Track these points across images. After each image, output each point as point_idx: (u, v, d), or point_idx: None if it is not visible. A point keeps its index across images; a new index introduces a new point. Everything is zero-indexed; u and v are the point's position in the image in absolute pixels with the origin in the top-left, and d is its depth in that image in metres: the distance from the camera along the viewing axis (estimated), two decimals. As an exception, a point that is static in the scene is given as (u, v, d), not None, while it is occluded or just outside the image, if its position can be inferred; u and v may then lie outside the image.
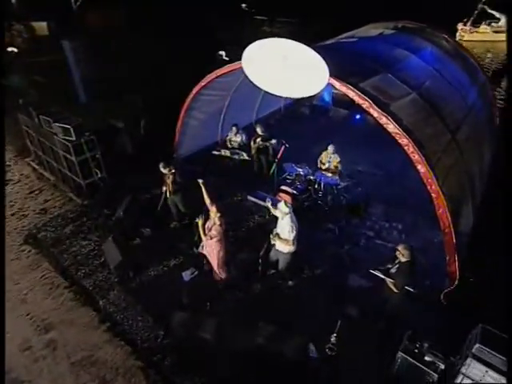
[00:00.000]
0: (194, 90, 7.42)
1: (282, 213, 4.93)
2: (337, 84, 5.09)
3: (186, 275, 5.74)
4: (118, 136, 9.21)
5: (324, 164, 7.39)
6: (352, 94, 5.00)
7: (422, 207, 7.12)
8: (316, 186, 7.18)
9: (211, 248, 5.04)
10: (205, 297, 5.34)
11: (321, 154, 7.49)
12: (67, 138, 7.20)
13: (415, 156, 4.74)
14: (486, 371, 3.32)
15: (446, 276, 5.27)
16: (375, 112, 4.87)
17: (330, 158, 7.33)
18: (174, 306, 5.22)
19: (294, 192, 6.81)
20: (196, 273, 5.77)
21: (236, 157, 8.12)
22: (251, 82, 8.82)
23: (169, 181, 6.35)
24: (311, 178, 7.17)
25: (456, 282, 5.11)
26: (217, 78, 6.97)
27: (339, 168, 7.29)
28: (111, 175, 7.95)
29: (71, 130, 7.08)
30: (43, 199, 7.93)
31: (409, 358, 3.99)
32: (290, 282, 5.57)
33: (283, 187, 7.01)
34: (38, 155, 8.83)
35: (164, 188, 6.48)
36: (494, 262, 5.61)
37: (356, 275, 5.78)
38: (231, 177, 8.02)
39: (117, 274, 5.61)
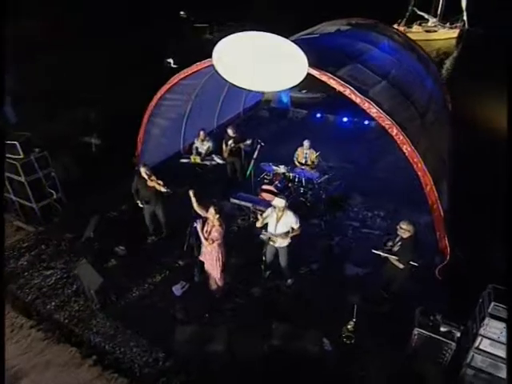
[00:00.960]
0: (159, 94, 7.31)
1: (281, 209, 5.00)
2: (316, 73, 5.38)
3: (177, 290, 5.53)
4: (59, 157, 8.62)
5: (301, 160, 7.66)
6: (333, 82, 5.32)
7: (398, 194, 7.80)
8: (296, 183, 7.40)
9: (212, 253, 4.93)
10: (202, 309, 5.18)
11: (296, 150, 7.76)
12: (13, 156, 6.63)
13: (400, 137, 5.15)
14: (504, 328, 3.66)
15: (437, 253, 5.72)
16: (357, 98, 5.23)
17: (306, 153, 7.63)
18: (169, 324, 5.01)
19: (276, 190, 6.92)
20: (187, 286, 5.59)
21: (208, 163, 8.08)
22: (213, 85, 9.11)
23: (151, 189, 6.08)
24: (290, 174, 7.37)
25: (448, 257, 5.57)
26: (181, 79, 6.95)
27: (316, 162, 7.61)
28: (69, 195, 7.45)
29: (18, 146, 6.53)
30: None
31: (425, 332, 4.23)
32: (289, 281, 5.63)
33: (265, 187, 7.11)
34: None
35: (140, 198, 6.18)
36: (473, 237, 6.18)
37: (351, 264, 6.03)
38: (204, 184, 7.94)
39: (98, 299, 5.21)
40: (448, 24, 23.75)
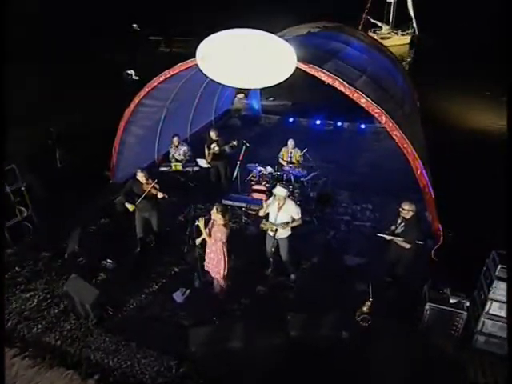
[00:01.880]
0: (137, 99, 7.34)
1: (282, 198, 5.21)
2: (305, 67, 5.76)
3: (178, 297, 5.49)
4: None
5: (286, 159, 7.97)
6: (322, 74, 5.73)
7: (382, 187, 8.35)
8: (284, 182, 7.66)
9: (217, 252, 4.98)
10: (209, 312, 5.18)
11: (280, 150, 8.08)
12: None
13: (389, 124, 5.61)
14: (511, 288, 4.08)
15: (430, 237, 6.21)
16: (347, 89, 5.65)
17: (291, 152, 7.97)
18: (175, 331, 4.97)
19: (266, 189, 7.14)
20: (188, 291, 5.57)
21: (190, 169, 8.12)
22: (186, 92, 9.28)
23: (147, 195, 6.00)
24: (278, 173, 7.64)
25: (441, 239, 6.05)
26: (160, 83, 7.06)
27: (301, 161, 7.96)
28: (39, 212, 7.16)
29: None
30: None
31: (437, 306, 4.58)
32: (293, 276, 5.80)
33: (255, 187, 7.30)
34: None
35: (129, 207, 6.06)
36: (458, 218, 6.75)
37: (350, 255, 6.34)
38: (187, 191, 8.01)
39: (94, 313, 5.04)
40: (400, 31, 25.90)
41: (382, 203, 7.89)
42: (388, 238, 5.06)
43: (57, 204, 7.41)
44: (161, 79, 6.93)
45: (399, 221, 5.07)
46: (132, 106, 7.46)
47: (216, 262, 5.07)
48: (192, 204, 7.81)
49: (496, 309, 4.31)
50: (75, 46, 21.05)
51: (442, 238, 6.07)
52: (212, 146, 8.00)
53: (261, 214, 5.44)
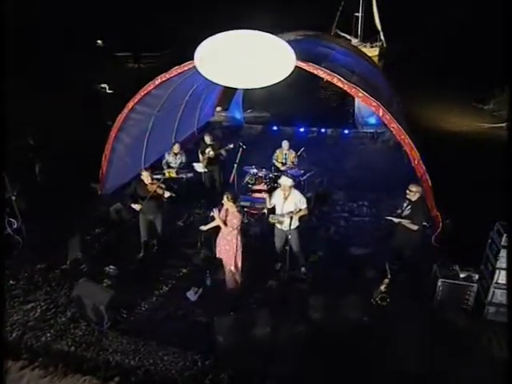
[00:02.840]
0: (130, 104, 7.58)
1: (287, 188, 5.57)
2: (304, 65, 6.28)
3: (191, 295, 5.66)
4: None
5: (281, 161, 8.40)
6: (320, 72, 6.27)
7: (373, 185, 8.96)
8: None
9: (232, 241, 5.24)
10: (225, 308, 5.36)
11: (274, 152, 8.51)
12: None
13: (386, 117, 6.19)
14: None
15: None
16: (345, 85, 6.21)
17: (285, 154, 8.41)
18: (194, 328, 5.13)
19: (266, 189, 7.51)
20: (200, 290, 5.75)
21: (184, 175, 8.34)
22: (172, 101, 9.61)
23: (152, 196, 6.17)
24: (275, 174, 8.04)
25: (440, 225, 6.61)
26: (156, 87, 7.37)
27: (295, 162, 8.42)
28: (26, 224, 7.12)
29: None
30: None
31: (449, 281, 5.04)
32: (303, 269, 6.11)
33: (255, 187, 7.65)
34: None
35: (136, 207, 6.19)
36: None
37: (355, 247, 6.76)
38: (183, 197, 8.20)
39: (109, 315, 5.10)
40: (369, 44, 27.72)
41: (377, 199, 8.46)
42: (396, 220, 5.51)
43: (43, 217, 7.38)
44: (156, 83, 7.26)
45: (405, 204, 5.55)
46: (125, 110, 7.68)
47: (231, 253, 5.32)
48: (189, 210, 8.05)
49: (504, 278, 4.82)
50: (39, 60, 20.96)
51: (440, 224, 6.62)
52: (207, 150, 8.31)
53: (268, 206, 5.77)
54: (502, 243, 4.71)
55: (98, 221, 7.61)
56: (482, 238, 5.50)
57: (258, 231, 7.23)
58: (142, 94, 7.45)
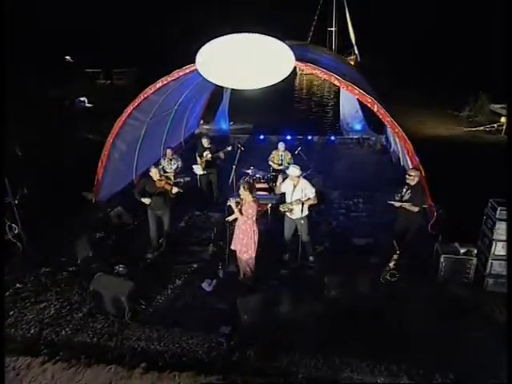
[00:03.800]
0: (131, 107, 8.02)
1: (295, 177, 6.15)
2: (302, 65, 7.00)
3: (206, 286, 6.04)
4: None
5: (277, 162, 9.01)
6: (318, 71, 7.00)
7: (365, 184, 9.70)
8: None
9: (248, 231, 5.71)
10: (240, 295, 5.77)
11: (271, 154, 9.13)
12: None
13: (381, 111, 6.95)
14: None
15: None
16: (342, 83, 6.95)
17: (281, 155, 9.04)
18: (214, 314, 5.51)
19: (267, 186, 8.07)
20: (215, 282, 6.14)
21: (181, 180, 8.76)
22: (163, 109, 10.11)
23: (160, 191, 6.57)
24: (272, 174, 8.62)
25: (435, 214, 7.33)
26: (157, 90, 7.88)
27: (291, 163, 9.04)
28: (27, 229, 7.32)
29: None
30: None
31: (451, 256, 5.71)
32: (311, 258, 6.63)
33: (257, 185, 8.17)
34: None
35: (146, 201, 6.57)
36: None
37: (357, 237, 7.36)
38: (180, 201, 8.61)
39: (129, 306, 5.40)
40: (343, 57, 29.39)
41: (371, 197, 9.20)
42: (397, 204, 6.17)
43: (41, 224, 7.59)
44: (157, 86, 7.75)
45: (405, 189, 6.23)
46: (124, 116, 8.11)
47: (245, 242, 5.79)
48: (189, 212, 8.48)
49: (500, 249, 5.52)
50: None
51: (435, 213, 7.35)
52: (205, 153, 8.81)
53: (276, 192, 6.34)
54: (497, 216, 5.43)
55: (99, 225, 7.88)
56: (474, 221, 6.25)
57: (262, 227, 7.69)
58: (142, 97, 7.92)
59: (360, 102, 12.70)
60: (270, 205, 7.51)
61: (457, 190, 8.26)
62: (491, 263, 5.63)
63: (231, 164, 8.77)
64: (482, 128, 15.17)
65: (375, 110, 7.04)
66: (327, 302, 5.44)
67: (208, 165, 8.90)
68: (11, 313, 5.73)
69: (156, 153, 11.46)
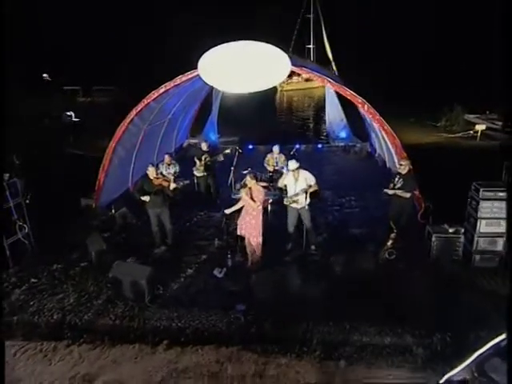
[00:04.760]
0: (132, 113, 8.61)
1: (296, 170, 6.85)
2: (297, 69, 7.83)
3: (218, 273, 6.59)
4: None
5: (272, 165, 9.72)
6: (312, 75, 7.84)
7: (354, 184, 10.53)
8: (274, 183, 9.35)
9: (258, 216, 6.35)
10: (251, 278, 6.34)
11: (266, 157, 9.85)
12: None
13: (371, 111, 7.81)
14: (494, 206, 6.14)
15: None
16: (334, 86, 7.80)
17: (276, 158, 9.77)
18: (228, 296, 6.05)
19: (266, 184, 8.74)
20: (224, 269, 6.70)
21: (181, 183, 9.34)
22: (158, 118, 10.75)
23: (158, 189, 7.11)
24: (270, 175, 9.31)
25: (423, 204, 8.15)
26: (159, 95, 8.54)
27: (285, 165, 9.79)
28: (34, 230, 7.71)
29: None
30: None
31: (441, 235, 6.48)
32: (313, 247, 7.28)
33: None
34: None
35: (145, 199, 7.08)
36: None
37: (353, 229, 8.09)
38: (180, 203, 9.18)
39: (149, 289, 5.88)
40: (322, 73, 31.00)
41: (361, 196, 9.99)
42: (391, 192, 6.95)
43: (45, 227, 7.97)
44: (161, 91, 8.41)
45: (397, 178, 7.03)
46: (127, 121, 8.69)
47: (255, 227, 6.42)
48: (191, 213, 9.05)
49: (484, 226, 6.32)
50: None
51: (423, 204, 8.17)
52: (203, 157, 9.46)
53: (279, 185, 7.01)
54: (480, 196, 6.26)
55: (105, 226, 8.33)
56: (459, 208, 7.09)
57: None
58: (145, 102, 8.55)
59: (345, 108, 13.82)
60: (270, 200, 8.14)
61: (441, 183, 9.16)
62: (477, 240, 6.42)
63: (229, 166, 9.43)
64: (459, 134, 16.46)
65: (365, 109, 7.90)
66: (333, 277, 6.08)
67: (206, 168, 9.54)
68: (32, 303, 6.14)
69: (150, 161, 12.00)
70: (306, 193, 6.77)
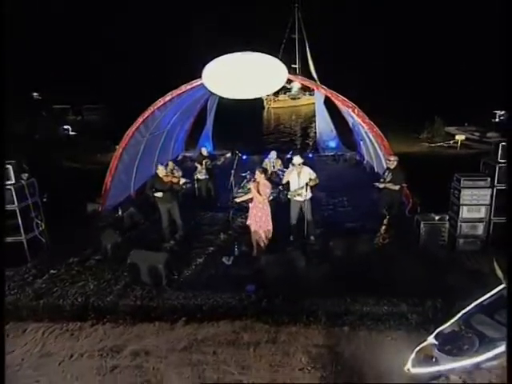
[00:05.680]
0: (140, 120, 9.30)
1: (299, 165, 7.61)
2: (293, 78, 8.68)
3: (227, 260, 7.21)
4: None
5: (269, 168, 10.48)
6: (307, 83, 8.71)
7: (347, 188, 11.34)
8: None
9: (265, 208, 7.04)
10: (258, 263, 6.97)
11: (264, 161, 10.62)
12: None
13: (361, 114, 8.68)
14: (474, 193, 6.97)
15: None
16: (327, 91, 8.67)
17: (273, 162, 10.56)
18: (239, 278, 6.66)
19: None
20: (232, 258, 7.32)
21: (184, 186, 10.01)
22: (158, 127, 11.47)
23: (167, 185, 7.75)
24: (268, 177, 10.02)
25: (411, 200, 8.97)
26: (165, 103, 9.27)
27: (282, 168, 10.57)
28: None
29: (10, 169, 7.37)
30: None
31: (428, 222, 7.26)
32: (312, 238, 7.97)
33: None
34: None
35: (158, 195, 7.71)
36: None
37: (348, 223, 8.84)
38: (184, 204, 9.80)
39: (166, 273, 6.45)
40: (308, 93, 32.32)
41: (353, 196, 10.79)
42: (381, 185, 7.75)
43: (55, 227, 8.48)
44: (167, 99, 9.14)
45: (386, 172, 7.83)
46: (134, 127, 9.36)
47: (264, 218, 7.09)
48: (194, 212, 9.68)
49: (466, 212, 7.13)
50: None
51: (411, 200, 8.99)
52: (204, 161, 10.18)
53: (284, 181, 7.77)
54: (461, 185, 7.08)
55: (113, 226, 8.87)
56: (442, 203, 7.92)
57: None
58: (152, 109, 9.27)
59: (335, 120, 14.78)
60: (271, 197, 8.82)
61: (426, 182, 10.03)
62: (460, 225, 7.22)
63: (227, 172, 10.13)
64: (440, 144, 17.62)
65: (356, 113, 8.77)
66: (333, 259, 6.76)
67: (207, 172, 10.25)
68: (55, 289, 6.63)
69: (150, 170, 12.65)
70: (307, 185, 7.50)
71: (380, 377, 4.69)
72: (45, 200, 7.97)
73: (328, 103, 15.63)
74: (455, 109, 22.05)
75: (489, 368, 4.58)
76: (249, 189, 9.81)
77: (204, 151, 10.34)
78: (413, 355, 4.62)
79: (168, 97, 9.21)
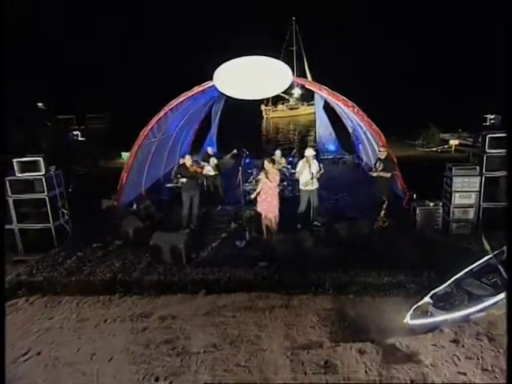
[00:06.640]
0: (155, 119, 10.07)
1: (311, 157, 8.39)
2: (297, 80, 9.52)
3: (239, 243, 7.92)
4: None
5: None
6: (311, 85, 9.54)
7: (345, 187, 12.12)
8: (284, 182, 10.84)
9: (274, 194, 7.79)
10: (269, 246, 7.68)
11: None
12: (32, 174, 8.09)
13: (360, 113, 9.50)
14: (465, 181, 7.76)
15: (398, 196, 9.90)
16: (330, 93, 9.50)
17: (278, 160, 11.32)
18: (252, 258, 7.36)
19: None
20: (244, 241, 8.04)
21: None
22: (168, 130, 12.25)
23: (195, 172, 8.53)
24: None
25: (407, 192, 9.75)
26: (180, 103, 10.06)
27: (286, 166, 11.36)
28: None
29: (41, 161, 8.11)
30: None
31: (424, 208, 8.04)
32: (317, 223, 8.71)
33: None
34: None
35: (183, 180, 8.48)
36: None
37: (349, 213, 9.59)
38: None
39: (186, 253, 7.14)
40: (306, 103, 33.38)
41: (353, 193, 11.56)
42: (374, 174, 8.56)
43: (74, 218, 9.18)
44: (181, 99, 9.94)
45: (378, 163, 8.64)
46: (150, 125, 10.13)
47: (274, 204, 7.84)
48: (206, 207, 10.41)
49: (458, 198, 7.90)
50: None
51: (408, 193, 9.76)
52: (211, 159, 10.96)
53: (297, 175, 8.59)
54: (453, 173, 7.87)
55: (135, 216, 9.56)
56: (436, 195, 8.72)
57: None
58: (167, 109, 10.05)
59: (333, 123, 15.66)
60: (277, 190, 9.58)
61: (421, 178, 10.85)
62: (453, 211, 7.99)
63: (236, 167, 10.89)
64: (435, 149, 18.56)
65: (355, 112, 9.59)
66: (338, 239, 7.50)
67: (215, 168, 11.01)
68: (84, 268, 7.31)
69: (158, 171, 13.42)
70: (313, 175, 8.30)
71: (382, 332, 5.39)
72: (70, 190, 8.63)
73: (327, 110, 16.60)
74: (449, 116, 23.07)
75: (476, 320, 5.31)
76: (257, 181, 10.59)
77: (210, 150, 11.17)
78: (411, 311, 5.33)
79: (181, 98, 10.01)
